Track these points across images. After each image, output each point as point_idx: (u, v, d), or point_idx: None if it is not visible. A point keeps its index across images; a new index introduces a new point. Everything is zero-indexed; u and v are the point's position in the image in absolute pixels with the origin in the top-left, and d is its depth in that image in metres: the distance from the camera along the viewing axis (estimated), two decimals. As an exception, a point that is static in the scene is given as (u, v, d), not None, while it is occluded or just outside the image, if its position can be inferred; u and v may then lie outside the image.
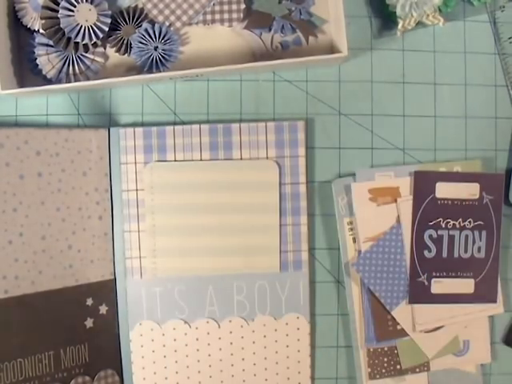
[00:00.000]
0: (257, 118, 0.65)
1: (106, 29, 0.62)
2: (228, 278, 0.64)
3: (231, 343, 0.64)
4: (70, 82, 0.63)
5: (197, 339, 0.64)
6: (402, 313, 0.65)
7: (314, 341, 0.66)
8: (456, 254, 0.65)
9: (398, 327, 0.65)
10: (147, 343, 0.64)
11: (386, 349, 0.65)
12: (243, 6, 0.65)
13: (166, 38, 0.63)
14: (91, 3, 0.61)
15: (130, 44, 0.63)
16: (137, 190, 0.64)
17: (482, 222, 0.65)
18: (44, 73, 0.63)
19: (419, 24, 0.65)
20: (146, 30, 0.63)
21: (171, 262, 0.64)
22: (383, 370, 0.65)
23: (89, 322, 0.63)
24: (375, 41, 0.67)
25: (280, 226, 0.64)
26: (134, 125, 0.64)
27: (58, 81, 0.63)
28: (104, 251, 0.64)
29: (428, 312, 0.65)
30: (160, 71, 0.63)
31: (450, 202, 0.65)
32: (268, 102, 0.66)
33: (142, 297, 0.64)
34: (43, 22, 0.61)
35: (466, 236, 0.65)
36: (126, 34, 0.63)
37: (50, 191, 0.61)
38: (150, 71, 0.64)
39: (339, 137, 0.67)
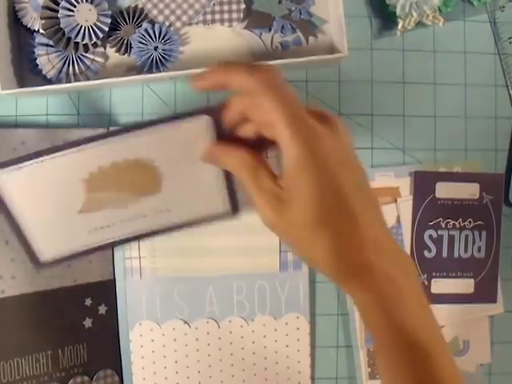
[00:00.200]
0: (257, 117, 0.65)
1: (106, 29, 0.62)
2: (228, 277, 0.64)
3: (231, 343, 0.64)
4: (70, 81, 0.63)
5: (197, 339, 0.64)
6: (402, 313, 0.64)
7: (314, 341, 0.66)
8: (456, 254, 0.65)
9: (398, 327, 0.65)
10: (147, 343, 0.64)
11: (385, 349, 0.65)
12: (243, 5, 0.65)
13: (166, 38, 0.63)
14: (91, 3, 0.61)
15: (130, 44, 0.63)
16: (137, 189, 0.64)
17: (481, 222, 0.65)
18: (44, 73, 0.63)
19: (419, 24, 0.65)
20: (146, 30, 0.63)
21: (171, 262, 0.64)
22: (383, 370, 0.65)
23: (87, 322, 0.63)
24: (375, 41, 0.67)
25: (280, 225, 0.64)
26: (133, 125, 0.64)
27: (58, 81, 0.63)
28: (103, 251, 0.63)
29: (428, 312, 0.65)
30: (160, 71, 0.63)
31: (449, 202, 0.65)
32: (268, 101, 0.66)
33: (142, 297, 0.64)
34: (43, 22, 0.61)
35: (466, 236, 0.65)
36: (126, 33, 0.63)
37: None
38: (150, 71, 0.64)
39: (339, 137, 0.67)
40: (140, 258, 0.64)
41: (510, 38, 0.67)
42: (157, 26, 0.63)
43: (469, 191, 0.65)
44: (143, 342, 0.64)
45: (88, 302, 0.63)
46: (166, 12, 0.64)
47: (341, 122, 0.45)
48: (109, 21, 0.62)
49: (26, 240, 0.50)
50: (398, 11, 0.63)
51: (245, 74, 0.42)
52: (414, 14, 0.63)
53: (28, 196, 0.49)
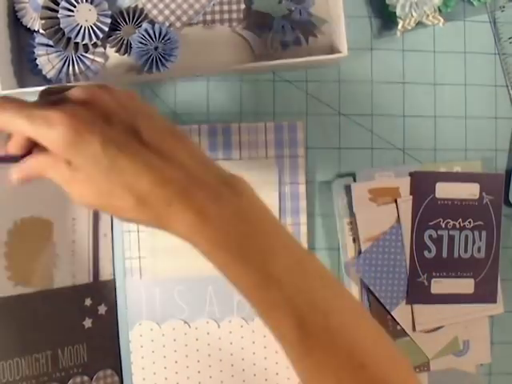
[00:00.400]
0: (257, 118, 0.65)
1: (106, 29, 0.62)
2: (228, 277, 0.64)
3: (231, 343, 0.64)
4: (69, 82, 0.63)
5: (196, 339, 0.64)
6: (402, 313, 0.65)
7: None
8: (456, 254, 0.65)
9: (398, 327, 0.65)
10: (147, 343, 0.64)
11: (385, 349, 0.65)
12: (243, 6, 0.65)
13: (165, 38, 0.63)
14: (91, 3, 0.61)
15: (130, 44, 0.63)
16: (136, 189, 0.64)
17: (481, 222, 0.65)
18: (44, 73, 0.63)
19: (419, 24, 0.65)
20: (146, 30, 0.63)
21: (171, 261, 0.64)
22: (383, 370, 0.65)
23: (87, 322, 0.63)
24: (375, 41, 0.67)
25: (280, 225, 0.64)
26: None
27: (57, 81, 0.63)
28: (103, 251, 0.64)
29: (428, 312, 0.65)
30: (160, 71, 0.63)
31: (449, 202, 0.65)
32: (268, 101, 0.66)
33: (142, 297, 0.64)
34: (43, 22, 0.61)
35: (466, 236, 0.65)
36: (126, 34, 0.63)
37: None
38: (150, 71, 0.64)
39: (339, 137, 0.67)
40: (140, 258, 0.64)
41: (510, 38, 0.67)
42: (157, 26, 0.63)
43: (469, 191, 0.65)
44: (143, 342, 0.64)
45: (88, 302, 0.63)
46: (166, 12, 0.64)
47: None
48: (109, 21, 0.62)
49: None
50: (398, 11, 0.63)
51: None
52: (414, 14, 0.63)
53: None
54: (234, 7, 0.65)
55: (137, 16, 0.63)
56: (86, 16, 0.61)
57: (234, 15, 0.65)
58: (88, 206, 0.44)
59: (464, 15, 0.68)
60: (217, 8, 0.65)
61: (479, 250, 0.66)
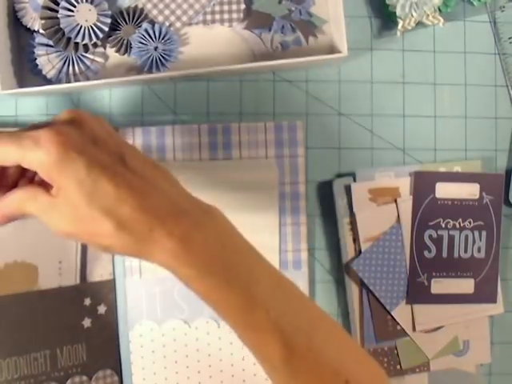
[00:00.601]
0: (257, 118, 0.65)
1: (106, 29, 0.62)
2: (228, 277, 0.64)
3: (231, 343, 0.64)
4: (69, 82, 0.63)
5: (197, 339, 0.64)
6: (402, 313, 0.65)
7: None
8: (456, 254, 0.65)
9: (398, 327, 0.65)
10: (147, 343, 0.64)
11: (386, 349, 0.65)
12: (243, 6, 0.65)
13: (166, 38, 0.63)
14: (91, 3, 0.61)
15: (130, 44, 0.63)
16: (136, 189, 0.64)
17: (481, 222, 0.65)
18: (44, 73, 0.63)
19: (419, 24, 0.65)
20: (146, 30, 0.63)
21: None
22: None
23: (86, 322, 0.63)
24: (375, 41, 0.67)
25: (279, 225, 0.64)
26: (133, 125, 0.64)
27: (57, 81, 0.63)
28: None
29: (428, 312, 0.65)
30: (160, 71, 0.63)
31: (449, 202, 0.65)
32: (268, 101, 0.66)
33: (142, 297, 0.64)
34: (43, 22, 0.61)
35: (466, 236, 0.65)
36: (125, 34, 0.63)
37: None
38: (150, 71, 0.64)
39: (339, 137, 0.67)
40: (140, 257, 0.64)
41: (510, 38, 0.67)
42: (157, 26, 0.63)
43: (469, 191, 0.65)
44: (143, 342, 0.64)
45: (87, 301, 0.63)
46: (166, 12, 0.64)
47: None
48: (109, 21, 0.62)
49: None
50: (398, 11, 0.63)
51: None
52: (414, 14, 0.63)
53: None
54: (234, 7, 0.65)
55: (137, 16, 0.63)
56: (85, 16, 0.61)
57: (234, 15, 0.65)
58: (65, 234, 0.44)
59: (464, 15, 0.68)
60: (217, 8, 0.65)
61: (479, 250, 0.65)
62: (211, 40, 0.65)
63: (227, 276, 0.44)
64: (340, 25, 0.61)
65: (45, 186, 0.44)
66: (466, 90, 0.68)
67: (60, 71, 0.63)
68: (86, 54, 0.63)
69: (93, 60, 0.64)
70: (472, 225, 0.65)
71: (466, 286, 0.66)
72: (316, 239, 0.66)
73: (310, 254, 0.65)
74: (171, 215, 0.43)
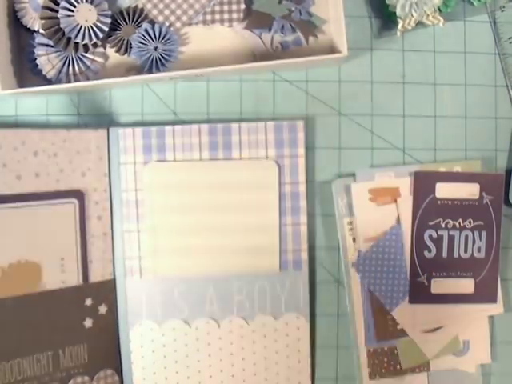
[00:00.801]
0: (257, 117, 0.65)
1: (106, 29, 0.62)
2: (228, 277, 0.64)
3: (231, 343, 0.64)
4: (69, 82, 0.63)
5: (197, 339, 0.64)
6: (402, 313, 0.65)
7: (314, 341, 0.66)
8: (456, 254, 0.65)
9: (398, 327, 0.65)
10: (147, 343, 0.64)
11: (386, 349, 0.65)
12: (243, 6, 0.65)
13: (166, 38, 0.63)
14: (91, 3, 0.61)
15: (130, 44, 0.63)
16: (136, 190, 0.64)
17: (481, 222, 0.65)
18: (44, 73, 0.63)
19: (419, 24, 0.65)
20: (146, 30, 0.63)
21: (171, 261, 0.64)
22: (383, 370, 0.65)
23: (88, 323, 0.63)
24: (375, 41, 0.67)
25: (280, 225, 0.64)
26: (133, 125, 0.64)
27: (57, 81, 0.63)
28: (103, 251, 0.64)
29: (428, 312, 0.65)
30: (160, 71, 0.63)
31: (449, 202, 0.65)
32: (268, 101, 0.66)
33: (142, 297, 0.64)
34: (43, 22, 0.61)
35: (466, 236, 0.65)
36: (125, 34, 0.63)
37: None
38: (150, 71, 0.64)
39: (339, 137, 0.67)
40: (140, 257, 0.64)
41: (510, 38, 0.67)
42: (157, 26, 0.63)
43: (469, 191, 0.65)
44: (143, 341, 0.64)
45: (88, 302, 0.63)
46: (166, 12, 0.64)
47: None
48: (109, 21, 0.62)
49: None
50: (398, 11, 0.63)
51: None
52: (414, 14, 0.63)
53: None
54: (234, 7, 0.65)
55: (137, 16, 0.63)
56: (86, 16, 0.61)
57: (234, 15, 0.65)
58: None
59: (464, 15, 0.68)
60: (217, 8, 0.65)
61: (479, 250, 0.66)
62: (211, 40, 0.65)
63: None
64: (340, 25, 0.61)
65: None
66: (466, 89, 0.68)
67: (60, 71, 0.63)
68: (86, 54, 0.63)
69: (93, 60, 0.64)
70: (472, 225, 0.65)
71: (466, 285, 0.66)
72: (316, 239, 0.66)
73: (309, 254, 0.65)
74: None
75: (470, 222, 0.65)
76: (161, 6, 0.64)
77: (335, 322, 0.66)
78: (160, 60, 0.63)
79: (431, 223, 0.65)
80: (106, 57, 0.65)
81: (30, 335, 0.60)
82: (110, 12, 0.62)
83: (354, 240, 0.65)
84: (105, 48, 0.64)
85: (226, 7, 0.65)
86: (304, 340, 0.65)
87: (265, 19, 0.65)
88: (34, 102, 0.64)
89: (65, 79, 0.63)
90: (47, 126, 0.64)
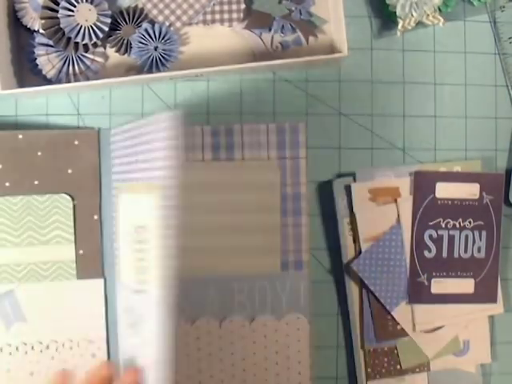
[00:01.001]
0: (257, 118, 0.65)
1: (106, 29, 0.62)
2: (229, 278, 0.64)
3: (232, 343, 0.64)
4: (69, 82, 0.63)
5: (197, 338, 0.64)
6: (402, 313, 0.65)
7: (314, 341, 0.66)
8: (456, 254, 0.65)
9: (398, 327, 0.65)
10: (147, 343, 0.64)
11: (385, 349, 0.65)
12: (243, 6, 0.65)
13: (165, 38, 0.63)
14: (91, 3, 0.61)
15: (130, 44, 0.63)
16: (137, 190, 0.64)
17: (481, 222, 0.66)
18: (44, 73, 0.63)
19: (419, 24, 0.65)
20: (146, 30, 0.63)
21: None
22: (383, 370, 0.65)
23: None
24: (375, 41, 0.67)
25: (281, 226, 0.64)
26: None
27: (57, 81, 0.63)
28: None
29: (428, 312, 0.65)
30: (160, 71, 0.63)
31: (450, 202, 0.65)
32: (268, 102, 0.66)
33: (143, 297, 0.64)
34: (43, 21, 0.61)
35: (466, 236, 0.65)
36: (125, 34, 0.63)
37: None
38: (149, 71, 0.63)
39: (339, 137, 0.67)
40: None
41: (510, 38, 0.68)
42: (157, 26, 0.63)
43: (469, 191, 0.65)
44: (143, 342, 0.64)
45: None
46: (166, 12, 0.64)
47: None
48: (109, 21, 0.62)
49: None
50: (398, 11, 0.63)
51: None
52: (414, 14, 0.63)
53: None
54: (234, 7, 0.65)
55: (137, 16, 0.63)
56: (85, 16, 0.61)
57: (234, 15, 0.65)
58: None
59: (464, 15, 0.68)
60: (217, 8, 0.65)
61: (479, 250, 0.66)
62: (211, 40, 0.65)
63: None
64: (340, 25, 0.61)
65: None
66: (466, 89, 0.68)
67: (60, 71, 0.63)
68: (86, 54, 0.63)
69: (93, 60, 0.64)
70: (472, 225, 0.65)
71: (466, 285, 0.66)
72: (316, 239, 0.66)
73: (310, 255, 0.65)
74: None
75: (470, 222, 0.65)
76: (161, 5, 0.64)
77: (335, 322, 0.66)
78: (160, 60, 0.63)
79: (431, 223, 0.65)
80: (105, 57, 0.65)
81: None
82: (109, 12, 0.62)
83: (354, 240, 0.65)
84: (105, 48, 0.64)
85: (225, 7, 0.65)
86: (304, 341, 0.65)
87: (265, 19, 0.65)
88: (34, 102, 0.64)
89: (65, 79, 0.63)
90: (47, 126, 0.64)
